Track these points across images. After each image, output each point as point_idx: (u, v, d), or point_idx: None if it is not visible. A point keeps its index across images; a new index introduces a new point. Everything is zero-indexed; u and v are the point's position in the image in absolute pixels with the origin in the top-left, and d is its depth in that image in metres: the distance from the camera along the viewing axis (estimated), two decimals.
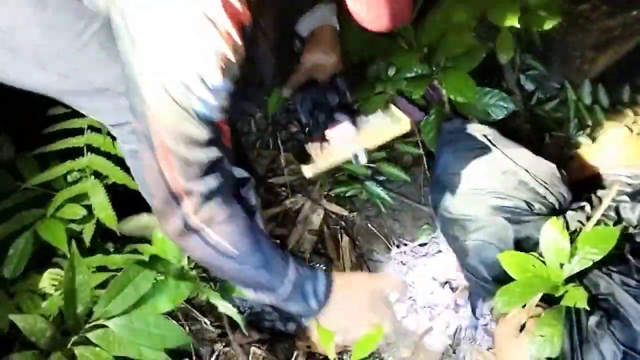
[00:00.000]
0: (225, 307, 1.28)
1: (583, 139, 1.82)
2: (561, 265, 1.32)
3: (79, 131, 1.47)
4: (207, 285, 1.32)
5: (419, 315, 1.62)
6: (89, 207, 1.41)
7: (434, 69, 1.62)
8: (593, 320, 1.26)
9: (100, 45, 1.05)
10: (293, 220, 1.81)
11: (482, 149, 1.49)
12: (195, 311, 1.53)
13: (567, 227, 1.40)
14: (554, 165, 1.50)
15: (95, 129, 1.46)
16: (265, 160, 1.94)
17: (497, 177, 1.46)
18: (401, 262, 1.73)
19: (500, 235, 1.44)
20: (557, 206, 1.46)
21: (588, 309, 1.23)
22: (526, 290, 1.29)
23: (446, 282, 1.67)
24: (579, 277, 1.33)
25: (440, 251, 1.73)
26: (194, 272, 1.25)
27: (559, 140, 1.83)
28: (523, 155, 1.49)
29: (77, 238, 1.37)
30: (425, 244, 1.76)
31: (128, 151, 1.24)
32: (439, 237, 1.74)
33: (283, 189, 1.86)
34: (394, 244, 1.77)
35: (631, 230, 1.42)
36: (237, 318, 1.27)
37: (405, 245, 1.77)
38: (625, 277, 1.30)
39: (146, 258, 1.21)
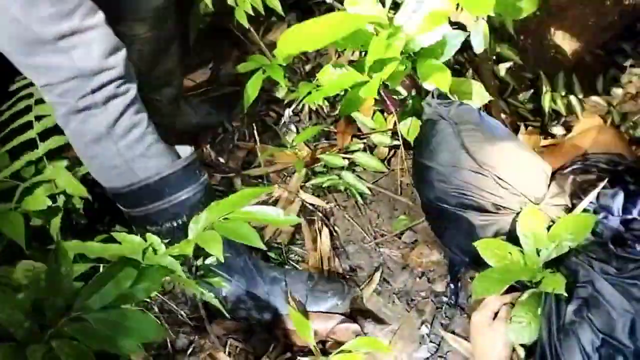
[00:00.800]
0: (203, 294, 1.27)
1: (558, 129, 1.84)
2: (538, 252, 1.33)
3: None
4: (185, 274, 1.30)
5: (397, 305, 1.62)
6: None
7: (410, 58, 1.61)
8: (571, 307, 1.26)
9: (51, 3, 1.13)
10: None
11: (453, 144, 1.46)
12: (171, 303, 1.52)
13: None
14: (533, 159, 1.46)
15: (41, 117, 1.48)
16: (242, 152, 1.93)
17: (464, 175, 1.44)
18: (379, 252, 1.73)
19: (469, 231, 1.44)
20: (526, 204, 1.45)
21: (565, 294, 1.23)
22: (504, 276, 1.29)
23: (423, 272, 1.67)
24: (557, 265, 1.34)
25: (417, 241, 1.73)
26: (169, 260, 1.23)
27: (534, 131, 1.84)
28: (498, 148, 1.45)
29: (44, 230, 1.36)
30: (403, 234, 1.76)
31: (62, 116, 1.28)
32: (417, 227, 1.75)
33: (260, 180, 1.85)
34: (371, 234, 1.77)
35: (611, 217, 1.43)
36: (215, 302, 1.25)
37: (383, 236, 1.77)
38: (605, 264, 1.30)
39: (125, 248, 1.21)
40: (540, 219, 1.34)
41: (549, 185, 1.46)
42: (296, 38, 1.48)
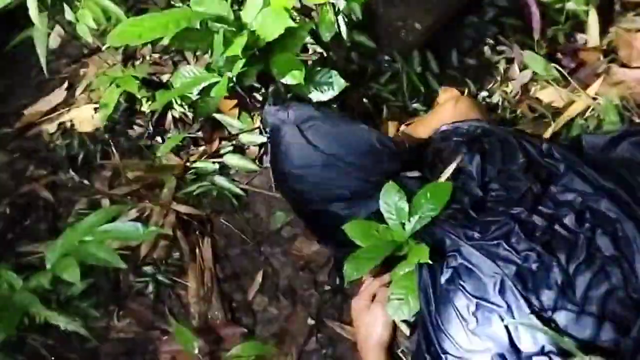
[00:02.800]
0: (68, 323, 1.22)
1: (418, 106, 1.88)
2: (403, 226, 1.36)
3: None
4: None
5: (282, 302, 1.61)
6: None
7: (261, 52, 1.60)
8: (444, 277, 1.29)
9: None
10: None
11: (300, 145, 1.48)
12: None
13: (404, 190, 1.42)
14: (381, 138, 1.50)
15: None
16: (107, 171, 1.86)
17: (318, 171, 1.46)
18: (260, 252, 1.71)
19: (340, 223, 1.45)
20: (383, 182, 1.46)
21: (430, 262, 1.26)
22: (372, 254, 1.32)
23: (306, 264, 1.67)
24: (423, 237, 1.37)
25: (296, 235, 1.72)
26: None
27: (397, 111, 1.87)
28: (343, 137, 1.47)
29: None
30: (282, 229, 1.75)
31: None
32: (294, 221, 1.74)
33: (129, 198, 1.78)
34: (250, 235, 1.75)
35: (470, 184, 1.46)
36: (82, 331, 1.20)
37: (262, 235, 1.75)
38: (469, 230, 1.34)
39: None
40: (399, 191, 1.37)
41: (404, 160, 1.50)
42: (128, 32, 1.45)
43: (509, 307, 1.23)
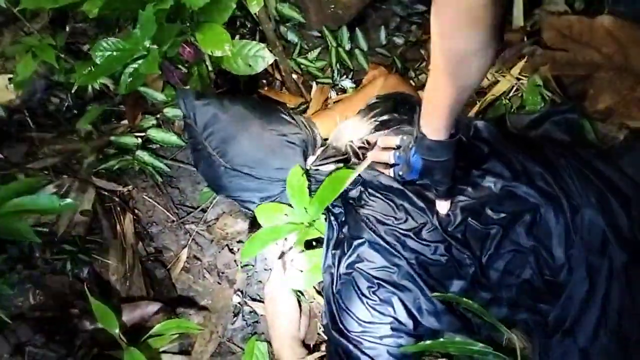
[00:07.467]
0: None
1: (347, 83, 1.87)
2: (305, 210, 1.38)
3: None
4: None
5: (207, 280, 1.58)
6: None
7: (187, 24, 1.55)
8: (349, 260, 1.32)
9: None
10: None
11: (205, 152, 1.52)
12: None
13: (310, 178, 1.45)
14: (290, 130, 1.53)
15: None
16: (23, 145, 1.76)
17: (226, 180, 1.50)
18: (185, 229, 1.67)
19: None
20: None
21: (323, 235, 1.35)
22: (270, 236, 1.37)
23: (230, 243, 1.64)
24: (334, 220, 1.40)
25: (224, 212, 1.69)
26: None
27: (326, 87, 1.86)
28: (245, 141, 1.48)
29: None
30: (208, 207, 1.71)
31: None
32: (220, 200, 1.71)
33: (45, 172, 1.70)
34: (174, 212, 1.70)
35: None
36: None
37: (187, 212, 1.71)
38: (382, 220, 1.34)
39: None
40: (301, 177, 1.40)
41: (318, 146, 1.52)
42: None
43: (410, 291, 1.25)
